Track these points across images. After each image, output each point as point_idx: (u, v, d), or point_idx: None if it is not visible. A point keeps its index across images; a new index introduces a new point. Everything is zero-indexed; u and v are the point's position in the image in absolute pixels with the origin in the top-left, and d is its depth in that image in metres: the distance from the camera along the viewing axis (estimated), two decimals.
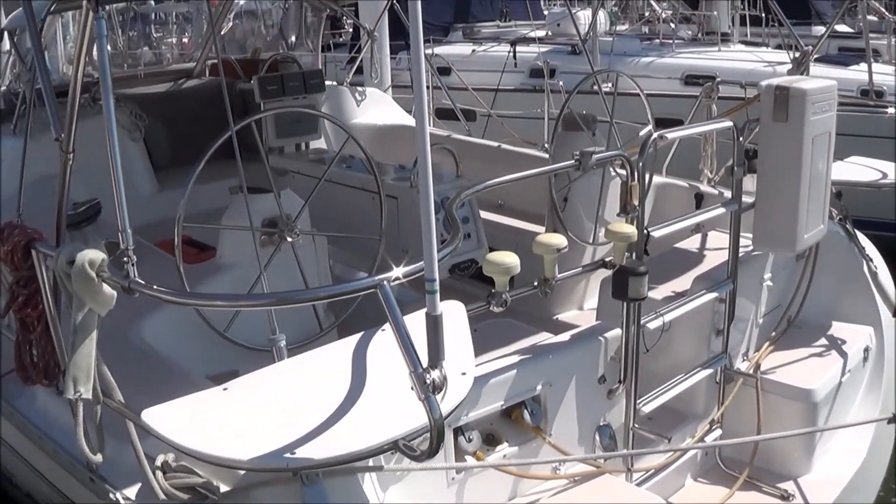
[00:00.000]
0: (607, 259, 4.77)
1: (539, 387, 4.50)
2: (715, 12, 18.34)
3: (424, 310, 2.92)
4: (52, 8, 6.55)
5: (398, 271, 3.28)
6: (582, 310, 6.89)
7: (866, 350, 6.05)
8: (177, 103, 9.23)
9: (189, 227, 4.86)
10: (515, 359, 4.48)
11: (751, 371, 5.58)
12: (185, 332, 4.92)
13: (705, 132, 7.04)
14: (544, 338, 4.90)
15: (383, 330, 3.64)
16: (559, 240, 4.60)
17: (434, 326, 2.93)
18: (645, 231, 4.82)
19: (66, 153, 3.97)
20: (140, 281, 3.59)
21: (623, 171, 5.20)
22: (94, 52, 3.99)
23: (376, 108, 9.89)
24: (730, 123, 5.46)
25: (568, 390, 4.63)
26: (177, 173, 7.75)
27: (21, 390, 4.76)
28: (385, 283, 3.15)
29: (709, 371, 5.30)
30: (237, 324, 4.95)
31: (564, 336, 4.84)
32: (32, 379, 4.34)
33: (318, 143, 8.22)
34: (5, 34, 8.60)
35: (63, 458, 4.38)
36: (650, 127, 7.14)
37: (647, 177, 4.91)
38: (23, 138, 5.58)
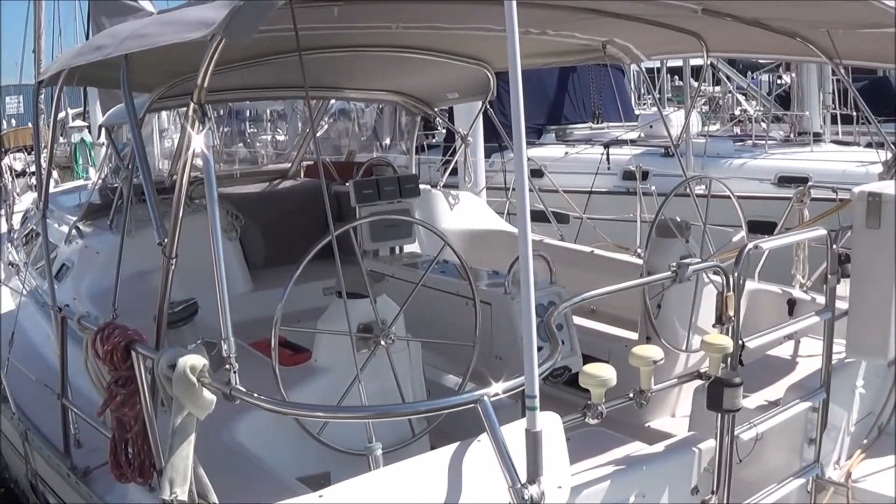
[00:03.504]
0: (702, 370, 4.73)
1: (632, 498, 4.45)
2: (807, 112, 18.21)
3: (520, 421, 2.94)
4: (151, 106, 6.76)
5: (498, 387, 3.30)
6: (674, 417, 6.80)
7: None
8: (272, 204, 9.38)
9: (285, 330, 4.90)
10: (609, 469, 4.44)
11: (842, 480, 5.48)
12: (278, 433, 4.93)
13: (798, 241, 6.99)
14: (637, 448, 4.85)
15: (479, 441, 3.62)
16: (656, 352, 4.51)
17: (534, 443, 2.94)
18: (740, 342, 4.80)
19: (169, 258, 4.01)
20: (241, 388, 3.64)
21: (717, 278, 5.18)
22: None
23: (469, 212, 9.91)
24: (823, 232, 5.43)
25: (660, 502, 4.58)
26: (271, 273, 7.90)
27: (112, 486, 4.76)
28: (485, 397, 3.17)
29: (801, 480, 5.23)
30: (329, 426, 4.98)
31: (658, 447, 4.79)
32: (127, 476, 4.37)
33: (412, 247, 8.31)
34: (103, 130, 8.81)
35: None
36: (743, 234, 7.13)
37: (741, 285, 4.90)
38: (118, 234, 5.64)
